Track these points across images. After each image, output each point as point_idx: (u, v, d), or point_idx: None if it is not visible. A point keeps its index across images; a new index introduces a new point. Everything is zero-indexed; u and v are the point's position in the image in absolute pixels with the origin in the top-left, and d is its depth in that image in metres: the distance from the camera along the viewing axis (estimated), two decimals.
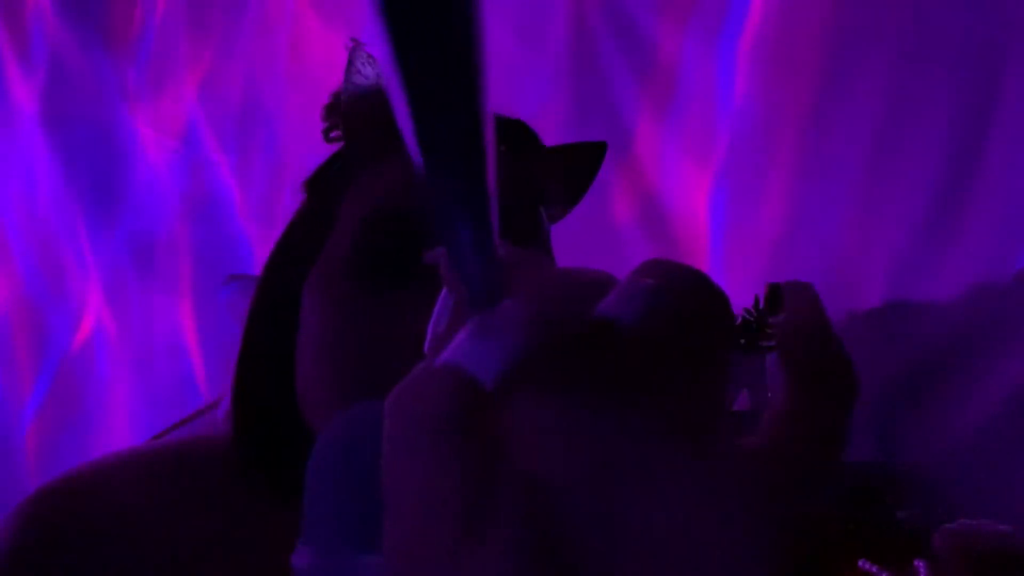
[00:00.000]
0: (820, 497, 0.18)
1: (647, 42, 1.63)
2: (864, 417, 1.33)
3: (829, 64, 1.48)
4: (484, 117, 0.13)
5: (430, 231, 0.43)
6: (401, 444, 0.17)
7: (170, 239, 1.90)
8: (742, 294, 1.39)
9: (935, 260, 1.38)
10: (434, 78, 0.12)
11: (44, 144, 1.97)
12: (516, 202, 0.47)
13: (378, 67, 0.48)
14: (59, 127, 1.97)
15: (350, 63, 0.49)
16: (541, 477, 0.17)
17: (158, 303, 1.90)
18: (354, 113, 0.49)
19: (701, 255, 1.58)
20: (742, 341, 1.35)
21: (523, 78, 1.65)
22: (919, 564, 0.93)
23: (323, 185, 0.51)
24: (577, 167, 0.55)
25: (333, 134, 0.52)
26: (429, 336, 0.23)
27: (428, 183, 0.15)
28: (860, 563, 0.97)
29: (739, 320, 1.37)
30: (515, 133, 0.52)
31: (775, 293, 0.21)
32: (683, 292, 0.18)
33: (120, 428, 1.88)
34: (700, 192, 1.60)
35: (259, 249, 1.79)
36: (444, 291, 0.23)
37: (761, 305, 1.37)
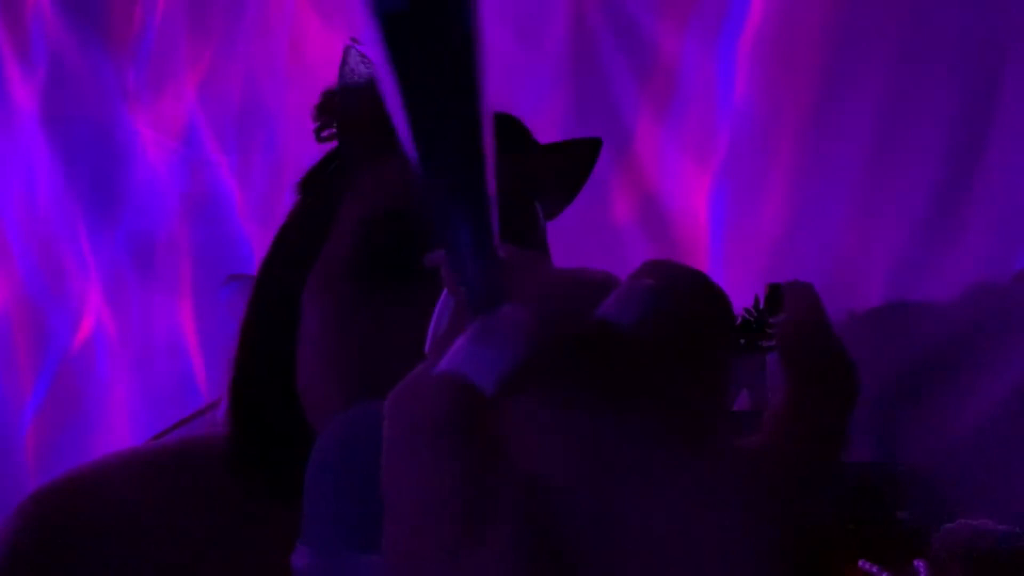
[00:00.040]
0: (820, 497, 0.18)
1: (647, 42, 1.63)
2: (864, 417, 1.33)
3: (829, 64, 1.48)
4: (483, 118, 0.13)
5: (431, 232, 0.43)
6: (400, 444, 0.17)
7: (170, 239, 1.91)
8: (742, 294, 1.40)
9: (935, 260, 1.38)
10: (431, 78, 0.12)
11: (44, 144, 1.97)
12: (511, 199, 0.47)
13: (373, 66, 0.47)
14: (59, 127, 1.97)
15: (344, 62, 0.49)
16: (540, 477, 0.17)
17: (158, 303, 1.90)
18: (349, 113, 0.49)
19: (701, 255, 1.58)
20: (742, 341, 1.35)
21: (523, 78, 1.65)
22: (919, 564, 0.93)
23: (319, 186, 0.51)
24: (573, 163, 0.55)
25: (325, 133, 0.52)
26: (430, 337, 0.23)
27: (426, 187, 0.15)
28: (860, 563, 0.97)
29: (739, 320, 1.37)
30: (508, 129, 0.51)
31: (775, 293, 0.21)
32: (683, 293, 0.18)
33: (120, 428, 1.88)
34: (700, 192, 1.60)
35: (259, 249, 1.78)
36: (445, 291, 0.23)
37: (761, 305, 1.37)
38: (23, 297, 1.97)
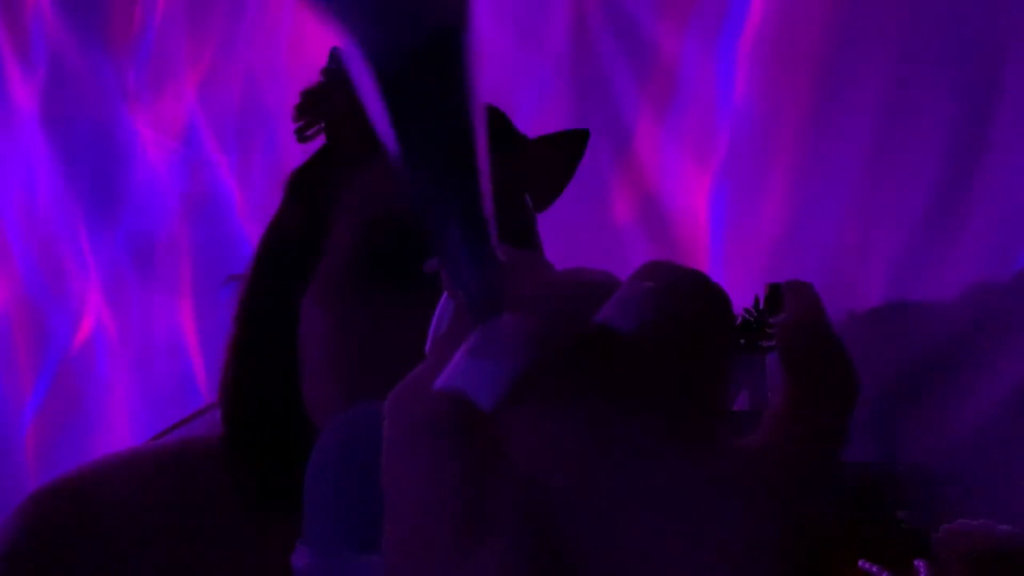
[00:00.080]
0: (820, 497, 0.18)
1: (647, 42, 1.63)
2: (864, 417, 1.33)
3: (829, 64, 1.48)
4: (474, 125, 0.13)
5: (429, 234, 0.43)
6: (400, 444, 0.17)
7: (170, 239, 1.91)
8: (742, 294, 1.40)
9: (935, 260, 1.38)
10: (418, 79, 0.12)
11: (44, 144, 1.97)
12: (501, 194, 0.47)
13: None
14: (59, 127, 1.97)
15: (331, 60, 0.49)
16: (540, 478, 0.17)
17: (158, 303, 1.90)
18: (337, 113, 0.49)
19: (701, 255, 1.58)
20: (742, 341, 1.35)
21: (523, 78, 1.65)
22: (919, 564, 0.93)
23: (311, 187, 0.51)
24: (561, 155, 0.55)
25: (310, 132, 0.52)
26: (430, 337, 0.23)
27: (416, 194, 0.15)
28: (860, 563, 0.97)
29: (739, 320, 1.37)
30: (493, 123, 0.51)
31: (775, 293, 0.21)
32: (683, 294, 0.18)
33: (120, 428, 1.88)
34: (700, 192, 1.60)
35: None
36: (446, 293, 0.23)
37: (761, 305, 1.37)
38: (23, 297, 1.97)
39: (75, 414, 1.92)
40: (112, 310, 1.93)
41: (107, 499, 0.46)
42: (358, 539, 0.26)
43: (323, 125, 0.51)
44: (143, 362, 1.90)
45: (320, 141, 0.52)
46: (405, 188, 0.14)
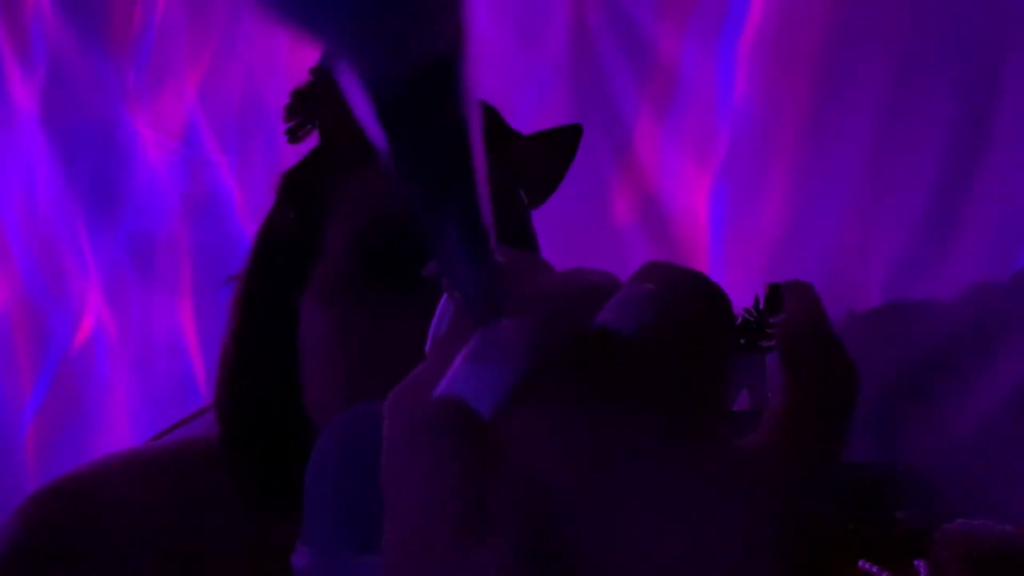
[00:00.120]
0: (820, 497, 0.18)
1: (647, 42, 1.63)
2: (864, 417, 1.33)
3: (829, 64, 1.48)
4: (472, 144, 0.13)
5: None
6: (400, 444, 0.17)
7: (170, 239, 1.90)
8: (742, 294, 1.40)
9: (935, 260, 1.38)
10: (415, 106, 0.12)
11: (44, 144, 1.97)
12: (495, 190, 0.47)
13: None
14: (59, 127, 1.97)
15: (322, 59, 0.48)
16: (540, 478, 0.17)
17: (158, 303, 1.90)
18: (330, 113, 0.49)
19: (701, 255, 1.58)
20: (742, 341, 1.35)
21: (523, 78, 1.65)
22: (919, 564, 0.93)
23: (307, 189, 0.51)
24: (555, 151, 0.55)
25: (301, 132, 0.52)
26: (430, 337, 0.23)
27: (413, 204, 0.15)
28: (860, 563, 0.97)
29: (739, 320, 1.37)
30: (484, 120, 0.51)
31: (775, 293, 0.21)
32: (683, 295, 0.18)
33: (120, 428, 1.88)
34: (700, 192, 1.60)
35: None
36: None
37: (761, 305, 1.37)
38: (23, 297, 1.97)
39: (75, 414, 1.92)
40: (112, 310, 1.93)
41: (107, 499, 0.46)
42: (358, 539, 0.26)
43: (316, 125, 0.50)
44: (143, 362, 1.90)
45: (314, 140, 0.52)
46: (400, 195, 0.14)
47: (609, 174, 1.62)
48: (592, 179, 1.59)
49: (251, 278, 0.51)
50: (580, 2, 1.68)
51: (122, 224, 1.93)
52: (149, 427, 1.68)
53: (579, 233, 1.52)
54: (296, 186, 0.52)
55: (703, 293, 0.19)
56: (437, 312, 0.22)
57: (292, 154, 0.53)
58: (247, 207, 1.84)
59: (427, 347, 0.22)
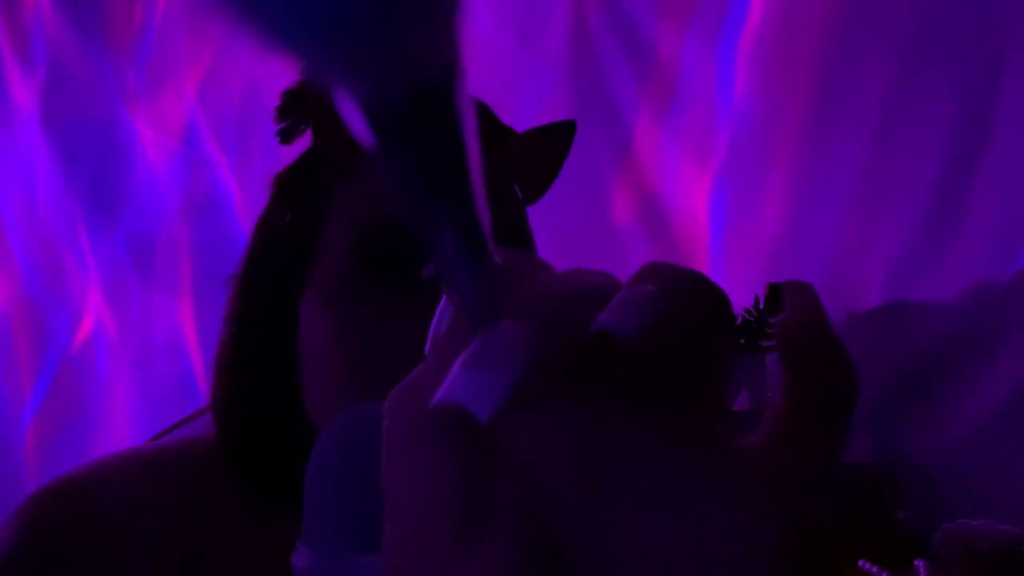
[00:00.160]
0: (820, 497, 0.18)
1: (647, 42, 1.63)
2: (864, 417, 1.33)
3: (829, 64, 1.48)
4: (468, 159, 0.13)
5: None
6: (400, 444, 0.17)
7: (170, 239, 1.91)
8: (742, 294, 1.40)
9: (935, 260, 1.38)
10: (409, 127, 0.12)
11: (44, 144, 1.97)
12: (489, 188, 0.47)
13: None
14: (59, 127, 1.97)
15: (312, 79, 0.48)
16: (540, 479, 0.17)
17: (158, 303, 1.90)
18: (323, 115, 0.49)
19: (701, 255, 1.58)
20: (742, 341, 1.35)
21: (523, 78, 1.65)
22: (919, 564, 0.93)
23: (303, 188, 0.51)
24: (549, 146, 0.55)
25: (294, 133, 0.51)
26: (430, 338, 0.23)
27: (409, 211, 0.15)
28: (860, 563, 0.97)
29: (739, 320, 1.37)
30: (478, 118, 0.51)
31: (775, 293, 0.21)
32: (683, 296, 0.18)
33: (120, 428, 1.88)
34: (700, 192, 1.60)
35: None
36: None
37: (761, 305, 1.37)
38: (23, 297, 1.97)
39: (75, 414, 1.92)
40: (112, 310, 1.93)
41: (107, 499, 0.46)
42: (358, 539, 0.26)
43: (309, 126, 0.50)
44: (143, 362, 1.90)
45: (307, 139, 0.52)
46: (396, 201, 0.14)
47: (609, 174, 1.62)
48: (592, 179, 1.59)
49: (247, 278, 0.51)
50: (580, 2, 1.68)
51: (122, 224, 1.93)
52: (149, 427, 1.68)
53: (579, 233, 1.52)
54: (291, 186, 0.52)
55: (703, 293, 0.19)
56: (437, 312, 0.22)
57: (292, 154, 0.53)
58: (247, 207, 1.84)
59: (427, 347, 0.22)
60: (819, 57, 1.49)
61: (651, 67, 1.63)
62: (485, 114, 0.52)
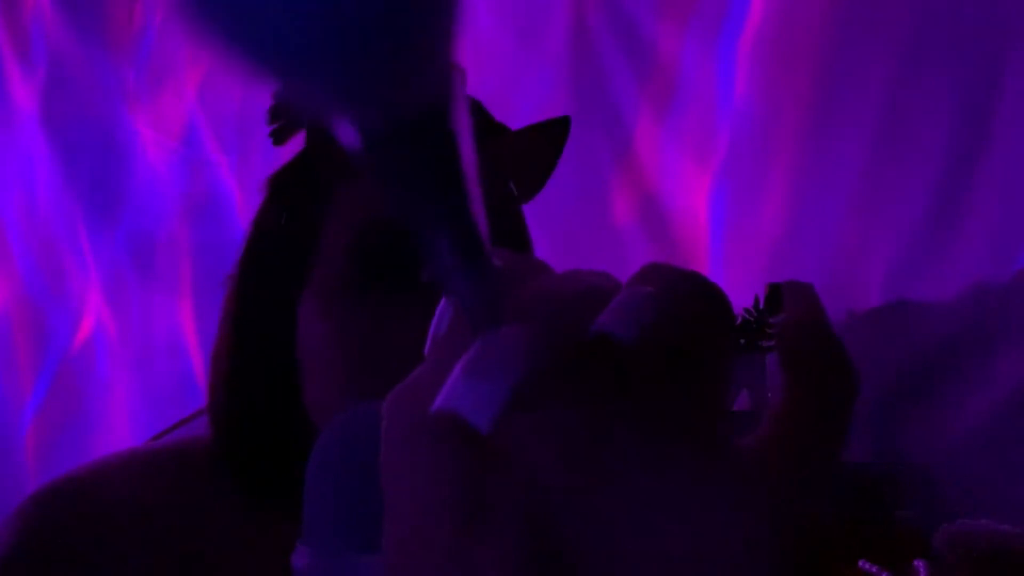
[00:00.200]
0: (820, 497, 0.18)
1: (647, 42, 1.63)
2: (864, 417, 1.33)
3: (829, 64, 1.48)
4: (464, 174, 0.13)
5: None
6: (400, 445, 0.17)
7: (170, 239, 1.91)
8: (742, 294, 1.40)
9: (935, 260, 1.38)
10: (404, 149, 0.12)
11: (44, 144, 1.97)
12: (485, 186, 0.47)
13: None
14: (59, 127, 1.97)
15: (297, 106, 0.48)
16: (540, 479, 0.17)
17: (158, 303, 1.90)
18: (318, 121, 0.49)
19: (701, 255, 1.58)
20: (742, 341, 1.35)
21: (523, 78, 1.65)
22: (919, 564, 0.93)
23: (299, 189, 0.51)
24: (543, 143, 0.55)
25: (286, 134, 0.51)
26: (430, 338, 0.23)
27: (406, 218, 0.15)
28: (860, 563, 0.97)
29: (739, 320, 1.37)
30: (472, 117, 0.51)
31: (775, 293, 0.21)
32: (683, 297, 0.18)
33: (120, 428, 1.88)
34: (700, 192, 1.60)
35: None
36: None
37: (761, 305, 1.37)
38: (23, 297, 1.97)
39: (75, 414, 1.92)
40: (112, 310, 1.93)
41: (107, 499, 0.46)
42: (358, 539, 0.26)
43: (303, 127, 0.50)
44: (143, 362, 1.90)
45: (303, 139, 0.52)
46: (392, 208, 0.14)
47: (609, 174, 1.62)
48: (592, 179, 1.59)
49: (243, 279, 0.51)
50: (580, 2, 1.68)
51: (122, 224, 1.93)
52: (149, 427, 1.68)
53: (579, 233, 1.52)
54: (288, 186, 0.51)
55: (703, 294, 0.19)
56: (437, 313, 0.22)
57: (292, 154, 0.53)
58: (247, 207, 1.83)
59: (427, 348, 0.22)
60: (819, 57, 1.49)
61: (651, 67, 1.63)
62: (478, 111, 0.52)
